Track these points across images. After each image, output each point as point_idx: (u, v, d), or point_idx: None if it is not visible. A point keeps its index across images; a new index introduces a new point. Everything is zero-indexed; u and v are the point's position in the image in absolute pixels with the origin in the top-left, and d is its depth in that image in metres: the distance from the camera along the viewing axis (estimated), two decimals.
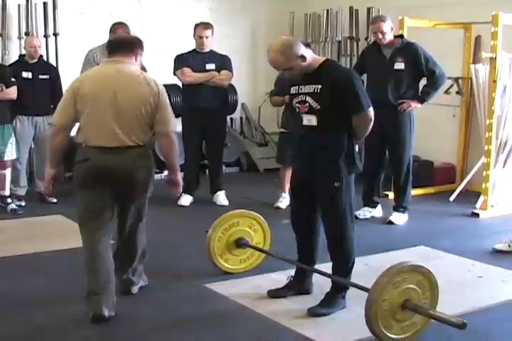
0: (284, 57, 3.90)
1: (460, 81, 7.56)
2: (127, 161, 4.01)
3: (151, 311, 4.11)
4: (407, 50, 6.12)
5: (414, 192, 6.71)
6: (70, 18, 8.00)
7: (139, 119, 4.01)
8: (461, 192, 7.29)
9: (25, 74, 6.70)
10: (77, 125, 4.20)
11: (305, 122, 4.03)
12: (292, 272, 4.39)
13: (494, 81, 6.56)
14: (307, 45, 4.24)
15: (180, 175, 4.28)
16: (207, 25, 6.77)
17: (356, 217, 5.97)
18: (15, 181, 6.75)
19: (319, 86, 3.95)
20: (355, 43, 8.85)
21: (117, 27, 6.66)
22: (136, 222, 4.25)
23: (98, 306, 3.90)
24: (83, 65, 6.73)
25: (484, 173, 6.73)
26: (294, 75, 4.05)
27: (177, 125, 4.24)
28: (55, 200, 6.92)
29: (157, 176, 8.48)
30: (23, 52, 7.00)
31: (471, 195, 7.06)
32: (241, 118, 9.47)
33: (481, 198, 6.75)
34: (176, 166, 4.25)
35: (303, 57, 3.93)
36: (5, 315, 4.02)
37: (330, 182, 3.99)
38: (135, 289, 4.35)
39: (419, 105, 6.19)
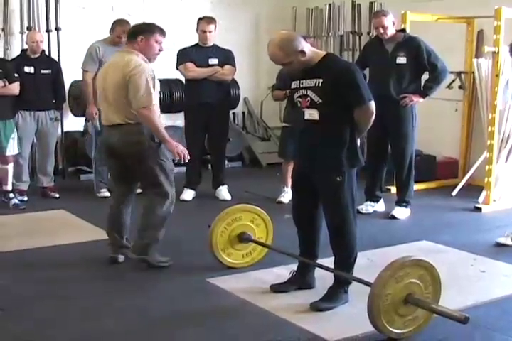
0: (283, 52, 3.90)
1: (462, 75, 7.56)
2: (116, 137, 4.65)
3: (153, 305, 4.12)
4: (409, 44, 6.11)
5: (416, 186, 6.71)
6: (72, 12, 8.00)
7: (121, 101, 4.58)
8: (463, 186, 7.29)
9: (28, 69, 6.69)
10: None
11: (307, 116, 4.03)
12: (295, 266, 4.39)
13: (497, 75, 6.55)
14: (303, 39, 4.24)
15: (174, 143, 4.64)
16: (210, 20, 6.75)
17: (359, 212, 5.99)
18: (17, 176, 6.75)
19: (320, 80, 3.94)
20: (357, 38, 8.84)
21: (116, 25, 6.67)
22: (133, 191, 4.91)
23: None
24: (85, 58, 6.74)
25: (486, 168, 6.72)
26: (293, 70, 4.05)
27: (150, 100, 4.52)
28: (57, 195, 6.93)
29: None
30: (25, 47, 7.00)
31: (473, 190, 7.06)
32: (243, 112, 9.48)
33: (484, 193, 6.75)
34: (161, 137, 4.62)
35: (302, 53, 3.92)
36: (6, 309, 4.02)
37: (332, 176, 3.99)
38: (121, 258, 4.86)
39: (421, 99, 6.18)
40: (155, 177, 4.65)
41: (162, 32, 4.73)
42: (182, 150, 4.66)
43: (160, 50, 4.74)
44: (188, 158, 4.70)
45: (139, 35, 4.66)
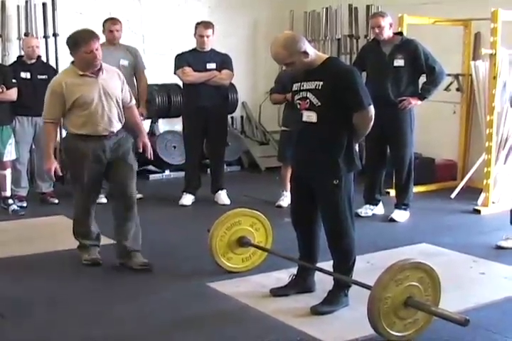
0: (287, 52, 3.91)
1: (460, 78, 7.56)
2: None
3: (153, 310, 4.11)
4: (406, 46, 6.12)
5: (415, 189, 6.70)
6: (70, 18, 7.97)
7: None
8: (462, 188, 7.28)
9: (24, 75, 6.68)
10: None
11: (305, 118, 4.03)
12: (294, 270, 4.39)
13: (494, 77, 6.55)
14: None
15: (50, 162, 4.84)
16: (208, 24, 6.74)
17: (358, 215, 6.00)
18: (16, 182, 6.74)
19: (321, 83, 3.95)
20: (354, 41, 8.85)
21: (104, 22, 6.82)
22: None
23: None
24: None
25: (485, 170, 6.72)
26: (296, 70, 4.06)
27: (45, 114, 5.03)
28: (56, 201, 6.91)
29: (158, 176, 8.55)
30: (23, 53, 7.00)
31: (472, 192, 7.05)
32: (241, 117, 9.47)
33: (482, 195, 6.75)
34: (45, 151, 5.02)
35: (305, 53, 3.93)
36: (6, 315, 4.01)
37: (329, 179, 3.99)
38: None
39: (419, 102, 6.18)
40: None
41: (88, 40, 4.60)
42: (48, 170, 4.84)
43: (94, 58, 4.63)
44: (54, 180, 5.14)
45: (70, 51, 4.70)
